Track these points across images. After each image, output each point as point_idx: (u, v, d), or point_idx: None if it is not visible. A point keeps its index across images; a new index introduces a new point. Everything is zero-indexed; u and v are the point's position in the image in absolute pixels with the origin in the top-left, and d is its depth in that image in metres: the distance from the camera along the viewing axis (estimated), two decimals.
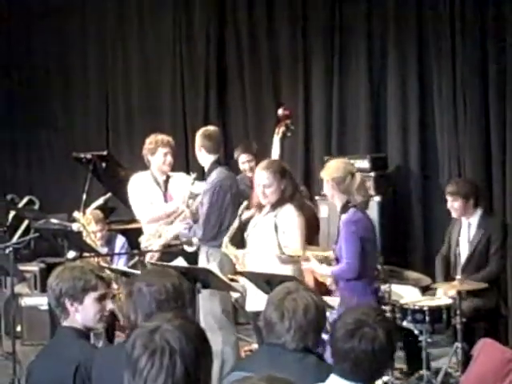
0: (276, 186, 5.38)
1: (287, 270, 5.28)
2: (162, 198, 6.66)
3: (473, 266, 6.23)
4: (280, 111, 7.17)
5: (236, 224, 5.60)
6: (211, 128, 6.56)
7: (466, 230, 6.38)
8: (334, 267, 4.96)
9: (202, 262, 5.93)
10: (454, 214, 6.38)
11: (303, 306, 3.16)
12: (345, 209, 5.00)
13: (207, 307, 5.92)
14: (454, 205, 6.32)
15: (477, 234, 6.31)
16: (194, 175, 6.41)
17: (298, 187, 5.67)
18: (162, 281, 3.19)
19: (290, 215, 5.34)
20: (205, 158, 6.21)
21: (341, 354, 2.89)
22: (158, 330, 2.19)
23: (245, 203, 5.65)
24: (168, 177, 6.66)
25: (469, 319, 5.94)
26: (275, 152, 6.94)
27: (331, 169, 5.16)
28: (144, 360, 2.14)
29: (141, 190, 6.62)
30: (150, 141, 6.58)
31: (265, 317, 3.24)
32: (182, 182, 6.62)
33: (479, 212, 6.36)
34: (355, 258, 4.82)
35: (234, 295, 5.79)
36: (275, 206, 5.40)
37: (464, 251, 6.36)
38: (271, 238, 5.33)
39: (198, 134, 6.32)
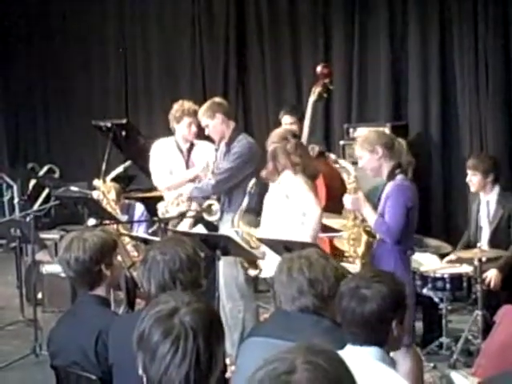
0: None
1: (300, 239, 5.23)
2: (184, 165, 6.64)
3: (497, 244, 6.19)
4: (318, 68, 6.75)
5: (245, 203, 5.57)
6: (216, 98, 6.46)
7: (485, 207, 6.34)
8: (379, 219, 4.78)
9: (227, 229, 5.89)
10: (472, 188, 6.34)
11: (298, 267, 3.12)
12: (392, 175, 4.83)
13: (231, 275, 5.93)
14: (472, 179, 6.28)
15: (496, 212, 6.27)
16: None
17: (305, 160, 5.49)
18: (177, 250, 3.18)
19: (290, 177, 5.32)
20: (226, 125, 6.12)
21: (339, 314, 2.89)
22: (176, 314, 2.15)
23: (253, 181, 5.62)
24: (192, 144, 6.64)
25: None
26: (308, 114, 6.77)
27: (374, 136, 4.93)
28: (167, 345, 2.11)
29: (162, 156, 6.60)
30: (177, 108, 6.51)
31: (273, 279, 3.25)
32: (206, 151, 6.58)
33: (497, 189, 6.30)
34: (398, 226, 4.70)
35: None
36: (272, 174, 5.40)
37: (485, 227, 6.33)
38: (278, 206, 5.35)
39: (209, 105, 6.22)
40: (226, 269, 5.84)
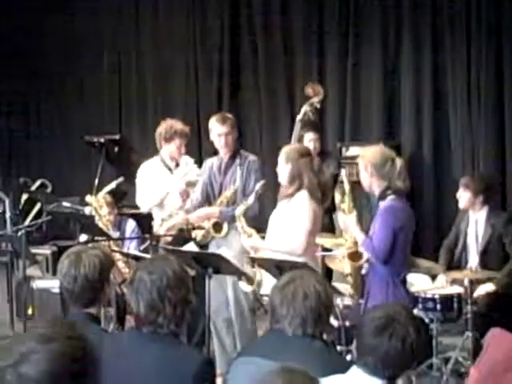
0: (284, 168, 5.33)
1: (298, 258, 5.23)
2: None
3: (487, 265, 6.20)
4: (306, 88, 6.84)
5: (251, 200, 5.58)
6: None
7: (474, 225, 6.38)
8: (366, 240, 4.78)
9: (237, 245, 5.89)
10: (460, 204, 6.41)
11: (303, 293, 3.12)
12: (383, 196, 4.82)
13: (242, 291, 5.96)
14: (462, 195, 6.36)
15: (485, 231, 6.30)
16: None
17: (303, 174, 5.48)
18: (163, 268, 3.17)
19: (301, 202, 5.29)
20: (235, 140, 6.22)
21: (367, 348, 2.86)
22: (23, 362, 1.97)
23: (262, 182, 5.65)
24: (177, 163, 6.68)
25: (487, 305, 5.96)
26: (294, 132, 6.78)
27: (370, 154, 4.91)
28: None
29: (151, 179, 6.62)
30: (166, 127, 6.52)
31: (269, 302, 3.24)
32: (190, 165, 6.67)
33: (486, 209, 6.34)
34: (384, 247, 4.69)
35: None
36: (286, 192, 5.37)
37: (473, 245, 6.36)
38: (282, 225, 5.33)
39: (231, 117, 6.27)
40: (237, 286, 5.87)
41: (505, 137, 7.43)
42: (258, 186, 5.61)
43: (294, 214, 5.26)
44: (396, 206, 4.79)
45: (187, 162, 6.78)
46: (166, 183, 6.59)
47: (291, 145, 5.71)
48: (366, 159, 4.88)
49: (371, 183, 4.87)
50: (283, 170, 5.37)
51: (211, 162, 6.29)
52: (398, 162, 4.88)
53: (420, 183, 7.98)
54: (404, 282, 4.89)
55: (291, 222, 5.26)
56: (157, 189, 6.59)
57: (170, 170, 6.64)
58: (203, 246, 6.14)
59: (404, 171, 4.87)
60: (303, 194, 5.28)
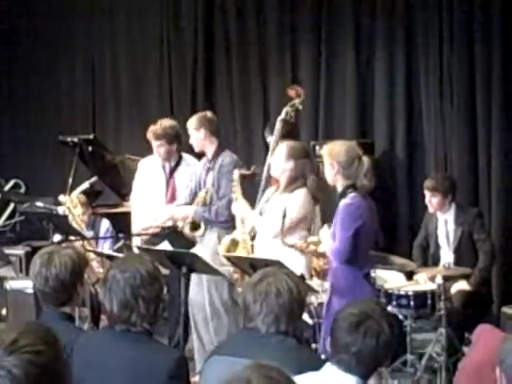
0: (283, 162, 5.36)
1: (292, 252, 5.24)
2: (165, 183, 6.66)
3: (462, 263, 6.23)
4: (288, 89, 6.77)
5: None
6: (208, 112, 6.54)
7: (443, 225, 6.39)
8: (332, 246, 4.74)
9: (212, 246, 5.97)
10: (430, 209, 6.40)
11: (275, 290, 3.12)
12: (343, 194, 4.74)
13: (215, 292, 5.98)
14: (432, 200, 6.32)
15: (456, 231, 6.32)
16: None
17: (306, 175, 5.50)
18: (136, 266, 3.18)
19: (297, 198, 5.32)
20: (209, 141, 6.21)
21: (342, 345, 2.87)
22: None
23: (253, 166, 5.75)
24: (178, 163, 6.69)
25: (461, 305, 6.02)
26: (276, 132, 6.80)
27: (336, 151, 4.80)
28: None
29: (145, 175, 6.67)
30: (148, 131, 6.58)
31: (242, 300, 3.24)
32: (190, 171, 6.65)
33: (454, 207, 6.36)
34: (345, 244, 4.61)
35: None
36: (286, 187, 5.38)
37: (444, 245, 6.39)
38: (273, 219, 5.34)
39: (198, 118, 6.29)
40: (211, 286, 5.93)
41: (477, 134, 7.46)
42: (253, 168, 5.65)
43: (290, 207, 5.28)
44: (355, 203, 4.71)
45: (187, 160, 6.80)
46: (154, 180, 6.63)
47: (293, 142, 5.70)
48: (333, 157, 4.79)
49: (336, 180, 4.82)
50: (284, 166, 5.39)
51: (202, 162, 6.38)
52: (365, 160, 4.81)
53: (393, 181, 8.02)
54: (367, 275, 4.84)
55: (284, 212, 5.28)
56: (141, 185, 6.66)
57: (163, 168, 6.68)
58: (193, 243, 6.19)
59: (371, 170, 4.79)
60: (303, 192, 5.33)
